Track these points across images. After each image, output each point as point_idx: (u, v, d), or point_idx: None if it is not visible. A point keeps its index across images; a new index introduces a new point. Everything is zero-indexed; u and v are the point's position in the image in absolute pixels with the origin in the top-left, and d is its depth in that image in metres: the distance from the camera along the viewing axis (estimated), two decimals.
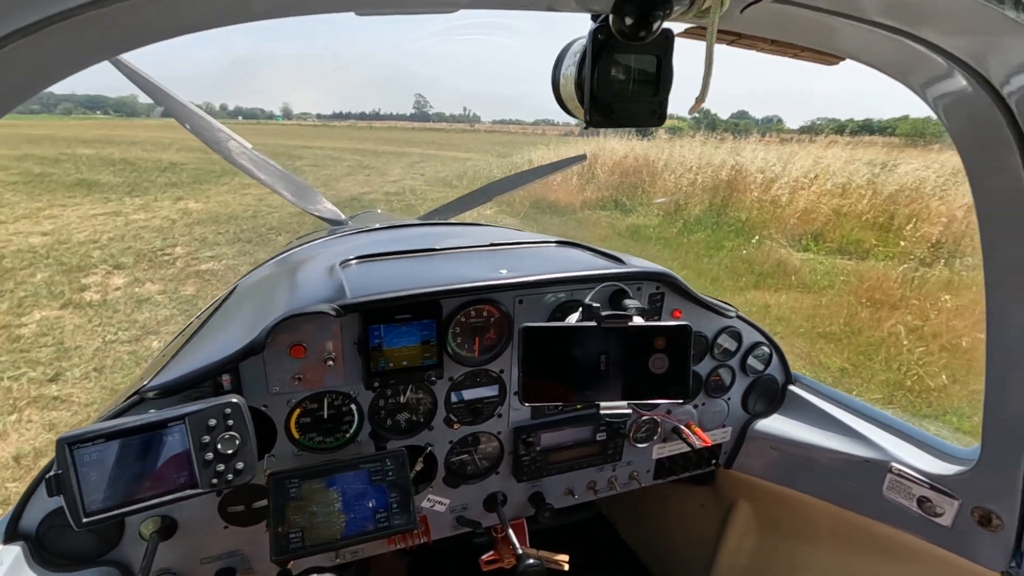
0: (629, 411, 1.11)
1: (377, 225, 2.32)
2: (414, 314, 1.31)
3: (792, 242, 10.83)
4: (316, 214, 3.54)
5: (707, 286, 9.08)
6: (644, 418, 1.73)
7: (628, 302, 1.42)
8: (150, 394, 1.16)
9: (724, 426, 1.87)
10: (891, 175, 11.67)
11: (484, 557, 1.58)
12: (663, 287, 1.59)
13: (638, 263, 1.58)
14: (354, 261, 1.52)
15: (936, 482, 1.44)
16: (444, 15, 0.75)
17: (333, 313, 1.20)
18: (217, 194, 15.70)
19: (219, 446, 1.08)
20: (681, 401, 1.16)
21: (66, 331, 6.58)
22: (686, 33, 0.86)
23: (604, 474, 1.75)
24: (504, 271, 1.42)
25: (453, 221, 3.12)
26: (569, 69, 0.81)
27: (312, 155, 28.03)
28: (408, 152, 30.87)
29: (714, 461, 1.91)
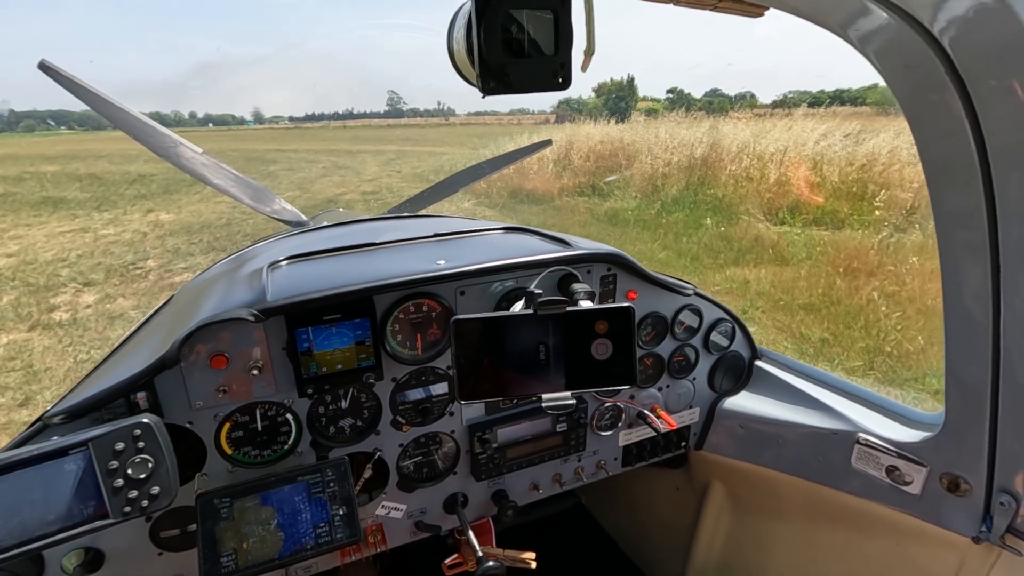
0: (573, 402, 1.04)
1: (325, 224, 2.22)
2: (344, 313, 1.23)
3: (769, 216, 10.87)
4: (275, 217, 3.42)
5: (687, 265, 9.09)
6: (607, 405, 1.67)
7: (577, 286, 1.35)
8: (55, 419, 1.07)
9: (691, 407, 1.82)
10: (862, 145, 11.76)
11: (447, 561, 1.52)
12: (615, 268, 1.52)
13: (586, 244, 1.50)
14: (284, 262, 1.43)
15: (903, 450, 1.40)
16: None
17: (251, 319, 1.12)
18: (189, 204, 15.39)
19: (129, 471, 1.00)
20: (627, 387, 1.10)
21: (35, 353, 6.40)
22: None
23: (569, 465, 1.69)
24: (442, 262, 1.34)
25: (417, 214, 3.02)
26: (459, 32, 0.73)
27: (286, 158, 27.57)
28: (383, 150, 30.50)
29: (683, 443, 1.86)
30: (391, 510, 1.48)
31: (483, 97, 0.73)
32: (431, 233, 1.65)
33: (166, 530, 1.24)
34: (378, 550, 1.46)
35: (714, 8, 0.84)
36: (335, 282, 1.23)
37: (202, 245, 10.85)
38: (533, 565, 1.50)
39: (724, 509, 2.03)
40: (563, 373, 1.04)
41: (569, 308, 1.03)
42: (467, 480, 1.55)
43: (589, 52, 0.61)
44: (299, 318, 1.20)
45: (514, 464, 1.57)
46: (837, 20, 0.91)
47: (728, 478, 1.97)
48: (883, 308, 6.68)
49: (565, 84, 0.74)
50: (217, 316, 1.11)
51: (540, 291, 1.11)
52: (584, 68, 0.67)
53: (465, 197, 14.81)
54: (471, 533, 1.46)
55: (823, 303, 7.13)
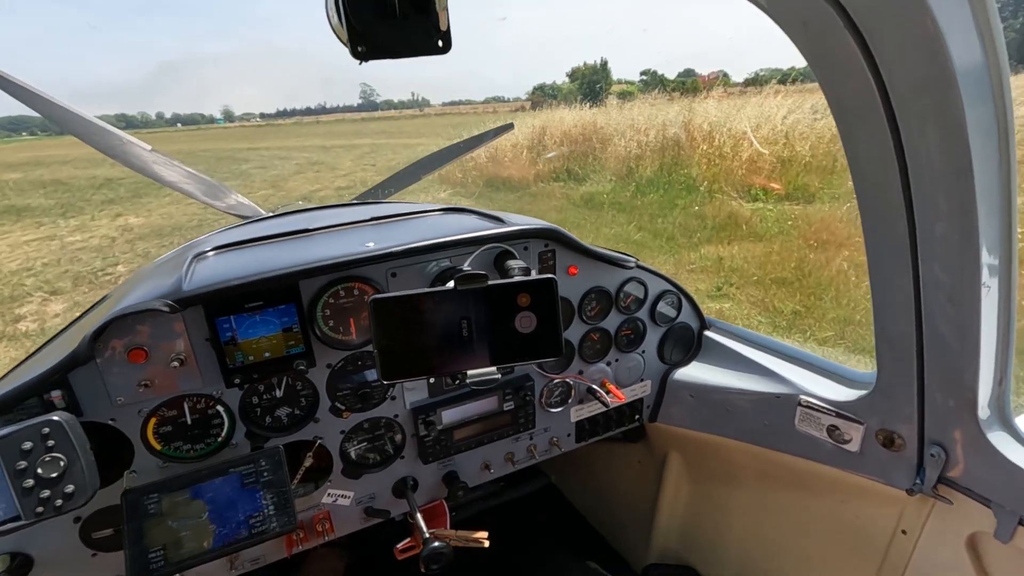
0: (498, 376, 1.04)
1: (270, 214, 2.18)
2: (267, 300, 1.21)
3: (742, 193, 10.97)
4: (230, 211, 3.35)
5: (663, 245, 9.15)
6: (555, 382, 1.67)
7: (512, 263, 1.34)
8: None
9: (643, 380, 1.83)
10: (830, 118, 11.85)
11: (399, 546, 1.51)
12: (552, 244, 1.51)
13: (520, 220, 1.49)
14: (211, 252, 1.40)
15: (842, 409, 1.42)
16: None
17: (166, 309, 1.09)
18: (159, 206, 15.06)
19: (40, 471, 0.97)
20: (553, 359, 1.09)
21: (1, 365, 6.23)
22: None
23: (521, 444, 1.69)
24: (371, 244, 1.32)
25: (365, 200, 2.98)
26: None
27: (259, 157, 27.07)
28: (358, 144, 30.10)
29: (637, 416, 1.87)
30: (338, 497, 1.47)
31: (359, 64, 0.70)
32: (368, 217, 1.62)
33: (98, 530, 1.21)
34: (327, 538, 1.45)
35: None
36: (257, 269, 1.20)
37: (173, 247, 10.63)
38: (486, 544, 1.50)
39: (682, 478, 2.05)
40: (487, 348, 1.03)
41: (491, 282, 1.01)
42: (415, 464, 1.54)
43: (442, 6, 0.60)
44: (218, 307, 1.17)
45: (462, 445, 1.56)
46: None
47: (684, 448, 1.99)
48: (852, 278, 6.80)
49: (446, 47, 0.72)
50: (129, 308, 1.08)
51: (469, 268, 1.09)
52: (442, 24, 0.65)
53: (441, 187, 14.70)
54: (419, 516, 1.45)
55: (795, 276, 7.22)
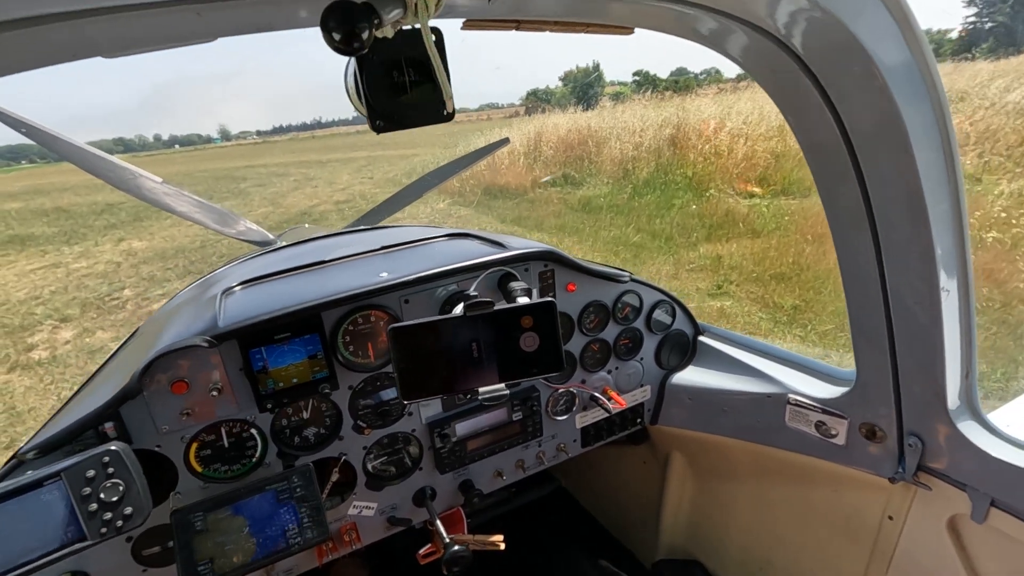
0: (507, 392, 1.15)
1: (288, 241, 2.30)
2: (293, 331, 1.32)
3: (738, 190, 11.08)
4: (242, 238, 3.47)
5: (661, 246, 9.25)
6: (560, 391, 1.78)
7: (514, 284, 1.46)
8: (29, 455, 1.15)
9: (642, 385, 1.94)
10: None
11: (421, 551, 1.62)
12: (551, 264, 1.63)
13: (520, 244, 1.61)
14: (237, 288, 1.52)
15: (827, 406, 1.53)
16: None
17: (205, 345, 1.20)
18: (161, 229, 15.22)
19: (102, 495, 1.08)
20: (557, 373, 1.20)
21: (16, 395, 6.35)
22: (469, 24, 0.88)
23: (530, 451, 1.80)
24: (384, 274, 1.44)
25: (375, 226, 3.10)
26: (350, 79, 0.82)
27: (256, 174, 27.31)
28: (354, 157, 30.33)
29: (639, 420, 1.98)
30: (362, 509, 1.58)
31: (377, 132, 0.82)
32: (378, 246, 1.74)
33: (147, 548, 1.32)
34: (354, 547, 1.56)
35: (585, 30, 0.94)
36: (282, 303, 1.32)
37: (178, 270, 10.77)
38: (502, 547, 1.61)
39: (686, 476, 2.16)
40: (496, 366, 1.14)
41: (497, 307, 1.13)
42: (432, 474, 1.65)
43: (447, 95, 0.71)
44: (251, 340, 1.28)
45: (476, 455, 1.67)
46: (702, 33, 1.02)
47: (685, 448, 2.09)
48: None
49: (450, 116, 0.84)
50: (173, 345, 1.19)
51: (475, 293, 1.21)
52: (448, 108, 0.77)
53: (440, 197, 14.84)
54: (439, 523, 1.56)
55: (793, 271, 7.31)
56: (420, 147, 27.71)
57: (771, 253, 8.04)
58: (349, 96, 0.85)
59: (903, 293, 1.19)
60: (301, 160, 32.74)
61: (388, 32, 0.66)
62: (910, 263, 1.14)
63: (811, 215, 9.02)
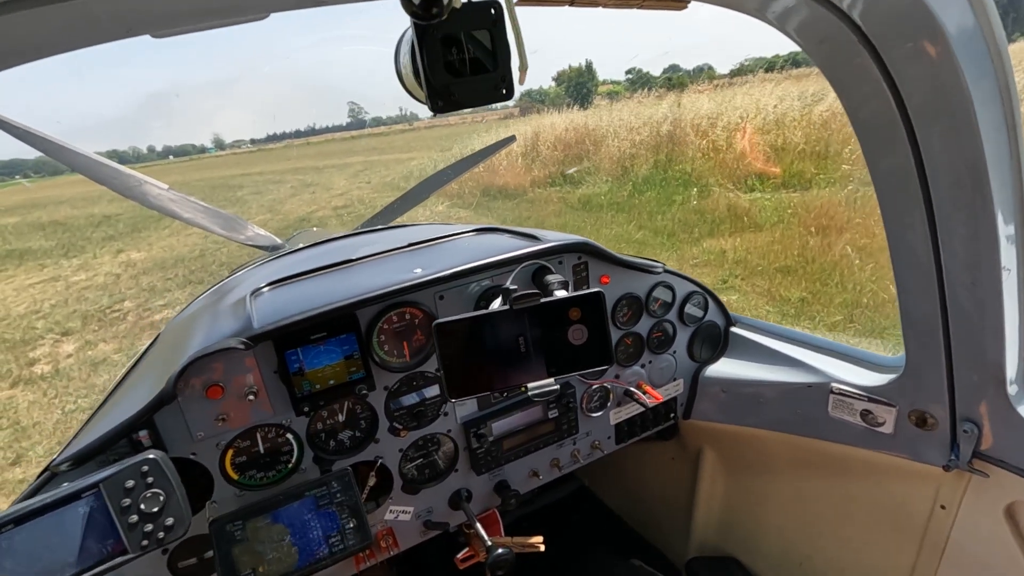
0: (557, 387, 1.10)
1: (300, 245, 2.26)
2: (329, 331, 1.28)
3: (738, 184, 11.06)
4: (250, 243, 3.42)
5: (664, 242, 9.23)
6: (594, 387, 1.74)
7: (550, 278, 1.42)
8: (62, 467, 1.10)
9: (675, 379, 1.90)
10: (820, 104, 11.98)
11: (459, 555, 1.58)
12: (584, 256, 1.59)
13: (554, 236, 1.57)
14: (266, 288, 1.47)
15: (874, 394, 1.49)
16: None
17: (241, 347, 1.16)
18: (159, 239, 15.14)
19: (142, 506, 1.04)
20: (607, 367, 1.16)
21: (20, 410, 6.29)
22: (523, 0, 0.84)
23: (565, 449, 1.75)
24: (418, 270, 1.39)
25: (390, 225, 3.06)
26: (405, 58, 0.78)
27: (252, 182, 27.21)
28: (350, 162, 30.26)
29: (672, 414, 1.94)
30: (399, 513, 1.53)
31: (433, 116, 0.78)
32: (405, 243, 1.70)
33: (183, 560, 1.28)
34: (391, 553, 1.52)
35: (640, 6, 0.90)
36: (317, 302, 1.28)
37: (178, 280, 10.70)
38: (542, 548, 1.56)
39: (717, 472, 2.12)
40: (544, 361, 1.10)
41: (543, 299, 1.09)
42: (468, 475, 1.61)
43: (523, 67, 0.67)
44: (287, 340, 1.24)
45: (511, 455, 1.63)
46: (754, 4, 0.98)
47: (718, 442, 2.05)
48: (856, 261, 6.87)
49: (508, 95, 0.80)
50: (208, 348, 1.15)
51: (515, 287, 1.17)
52: (521, 81, 0.73)
53: (438, 200, 14.78)
54: (479, 525, 1.52)
55: (799, 263, 7.29)
56: (416, 151, 27.69)
57: (775, 246, 8.02)
58: (402, 77, 0.81)
59: (959, 273, 1.15)
60: (297, 167, 32.64)
61: (458, 2, 0.62)
62: (968, 242, 1.10)
63: (813, 208, 8.99)
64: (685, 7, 0.95)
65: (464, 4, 0.68)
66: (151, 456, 1.06)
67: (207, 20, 0.65)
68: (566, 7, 0.86)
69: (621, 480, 2.67)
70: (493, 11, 0.73)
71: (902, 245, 1.22)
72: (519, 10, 0.77)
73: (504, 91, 0.79)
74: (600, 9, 0.90)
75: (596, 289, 1.09)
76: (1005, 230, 1.06)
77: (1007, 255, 1.09)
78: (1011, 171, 1.03)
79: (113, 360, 7.42)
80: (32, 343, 8.46)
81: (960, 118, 0.96)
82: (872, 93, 1.03)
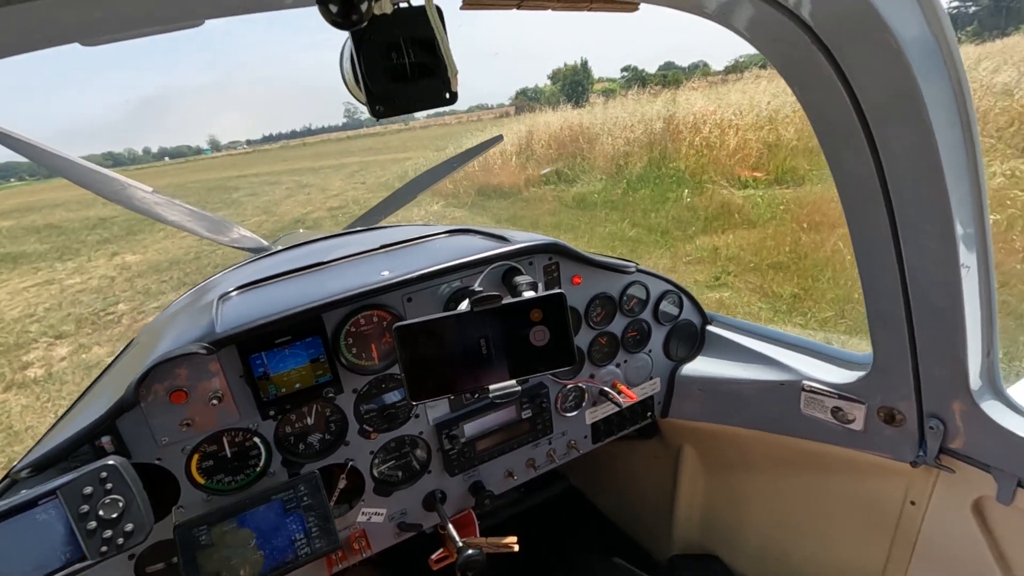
0: (519, 388, 1.10)
1: (280, 248, 2.25)
2: (294, 335, 1.28)
3: (732, 181, 11.07)
4: (235, 245, 3.41)
5: (658, 240, 9.23)
6: (569, 387, 1.74)
7: (519, 279, 1.42)
8: (22, 473, 1.10)
9: (652, 378, 1.90)
10: None
11: (433, 557, 1.58)
12: (555, 257, 1.59)
13: (523, 237, 1.57)
14: (234, 292, 1.47)
15: (843, 391, 1.49)
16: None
17: (203, 352, 1.16)
18: (154, 242, 15.11)
19: (101, 512, 1.04)
20: (569, 367, 1.16)
21: (13, 414, 6.27)
22: (468, 4, 0.84)
23: (541, 449, 1.76)
24: (386, 272, 1.39)
25: (372, 226, 3.06)
26: (346, 63, 0.78)
27: (248, 184, 27.19)
28: (346, 163, 30.25)
29: (649, 413, 1.94)
30: (372, 515, 1.53)
31: (376, 120, 0.78)
32: (378, 245, 1.69)
33: (151, 565, 1.28)
34: (364, 555, 1.52)
35: (588, 8, 0.90)
36: (281, 306, 1.27)
37: (173, 282, 10.68)
38: (515, 548, 1.56)
39: (698, 470, 2.12)
40: (506, 363, 1.10)
41: (504, 301, 1.09)
42: (442, 477, 1.61)
43: (452, 72, 0.67)
44: (250, 345, 1.24)
45: (485, 455, 1.63)
46: (707, 10, 0.98)
47: (697, 440, 2.06)
48: (848, 257, 6.87)
49: (453, 99, 0.80)
50: (170, 353, 1.15)
51: (481, 288, 1.17)
52: (453, 87, 0.73)
53: (433, 200, 14.78)
54: (451, 526, 1.52)
55: (791, 260, 7.30)
56: (412, 151, 27.67)
57: (768, 243, 8.03)
58: (346, 82, 0.81)
59: (921, 271, 1.16)
60: (293, 168, 32.62)
61: (387, 7, 0.62)
62: (928, 240, 1.10)
63: (806, 204, 9.02)
64: (636, 9, 0.95)
65: (398, 9, 0.68)
66: (110, 462, 1.06)
67: (139, 27, 0.65)
68: (513, 10, 0.86)
69: (608, 480, 2.67)
70: (434, 15, 0.73)
71: (865, 243, 1.23)
72: (468, 13, 0.77)
73: (448, 96, 0.79)
74: (549, 12, 0.90)
75: (557, 291, 1.09)
76: (963, 228, 1.07)
77: (966, 253, 1.10)
78: (967, 169, 1.03)
79: (106, 363, 7.39)
80: (26, 347, 8.43)
81: (914, 117, 0.96)
82: (828, 93, 1.03)
